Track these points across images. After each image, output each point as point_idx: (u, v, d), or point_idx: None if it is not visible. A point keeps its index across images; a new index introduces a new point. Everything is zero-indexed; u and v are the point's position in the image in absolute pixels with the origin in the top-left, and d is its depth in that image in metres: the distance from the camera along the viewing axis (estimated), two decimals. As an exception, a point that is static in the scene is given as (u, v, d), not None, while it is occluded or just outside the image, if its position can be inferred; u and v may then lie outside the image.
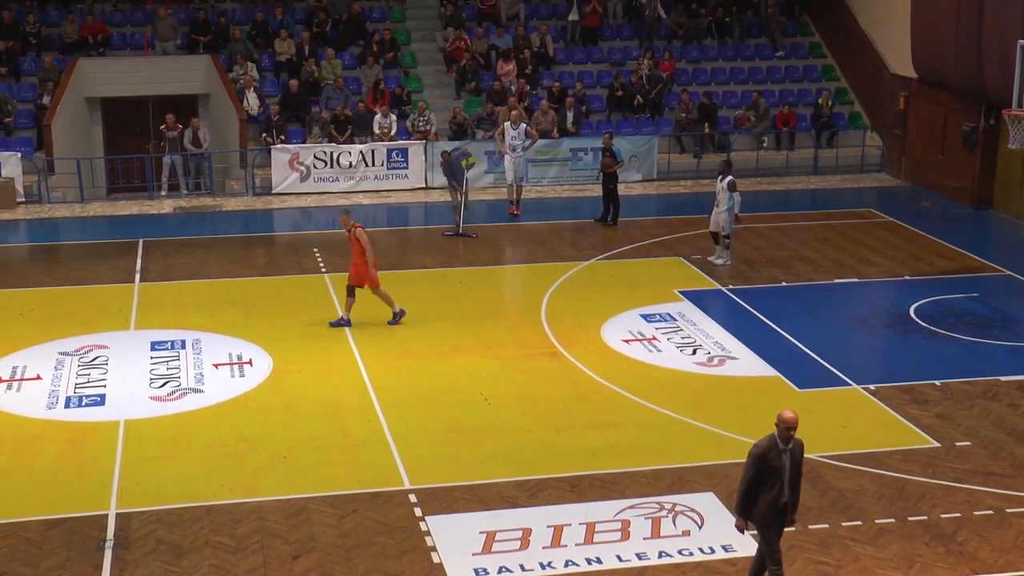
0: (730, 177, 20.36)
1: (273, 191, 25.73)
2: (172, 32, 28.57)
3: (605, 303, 18.49)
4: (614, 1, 31.15)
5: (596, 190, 24.06)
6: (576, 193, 26.08)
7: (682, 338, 17.05)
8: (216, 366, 15.82)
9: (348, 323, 17.35)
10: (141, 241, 22.06)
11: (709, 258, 20.59)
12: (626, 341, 16.91)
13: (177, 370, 15.66)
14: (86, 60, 27.54)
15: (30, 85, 27.33)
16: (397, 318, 17.49)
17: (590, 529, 11.60)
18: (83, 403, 14.60)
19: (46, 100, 26.17)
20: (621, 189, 23.82)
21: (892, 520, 11.96)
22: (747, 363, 16.18)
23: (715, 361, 16.25)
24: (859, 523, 11.89)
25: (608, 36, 30.89)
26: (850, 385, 15.45)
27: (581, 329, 17.35)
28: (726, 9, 31.05)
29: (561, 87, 28.06)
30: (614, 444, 13.63)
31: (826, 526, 11.81)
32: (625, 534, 11.55)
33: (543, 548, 11.28)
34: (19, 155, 25.05)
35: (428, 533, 11.57)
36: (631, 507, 12.05)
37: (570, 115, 27.22)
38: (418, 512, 11.98)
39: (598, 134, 26.62)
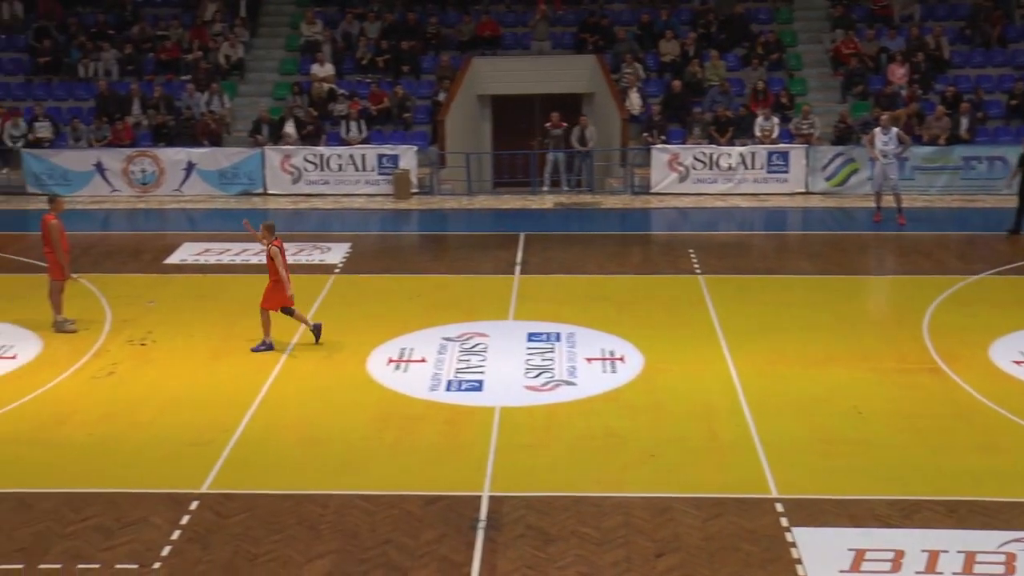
0: None
1: (651, 190, 25.95)
2: (546, 32, 29.34)
3: (995, 321, 17.43)
4: None
5: (989, 201, 22.79)
6: (966, 203, 24.78)
7: (1081, 364, 15.85)
8: (589, 360, 16.10)
9: (271, 347, 16.48)
10: (522, 234, 22.79)
11: None
12: (1018, 363, 15.87)
13: (551, 362, 16.06)
14: (479, 59, 28.76)
15: (428, 83, 28.83)
16: (261, 347, 16.47)
17: (969, 559, 10.96)
18: (462, 387, 15.22)
19: (441, 97, 27.54)
20: (1013, 201, 22.43)
21: None
22: None
23: (1117, 390, 15.00)
24: None
25: (1013, 38, 29.14)
26: None
27: (966, 346, 16.45)
28: None
29: (956, 92, 26.74)
30: (999, 470, 12.82)
31: None
32: (1010, 568, 10.81)
33: (916, 573, 10.76)
34: (415, 148, 26.50)
35: (794, 544, 11.29)
36: (1017, 540, 11.28)
37: (964, 121, 25.90)
38: (784, 522, 11.73)
39: (995, 142, 25.22)
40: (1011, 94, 26.98)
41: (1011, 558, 10.97)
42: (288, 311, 16.70)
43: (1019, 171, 22.05)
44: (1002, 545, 11.20)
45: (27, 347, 16.68)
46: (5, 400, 14.85)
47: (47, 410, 14.58)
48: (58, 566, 10.90)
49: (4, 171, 27.32)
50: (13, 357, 16.31)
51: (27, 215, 24.73)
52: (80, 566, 10.90)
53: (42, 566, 10.91)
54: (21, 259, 21.17)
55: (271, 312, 16.59)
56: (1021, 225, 22.05)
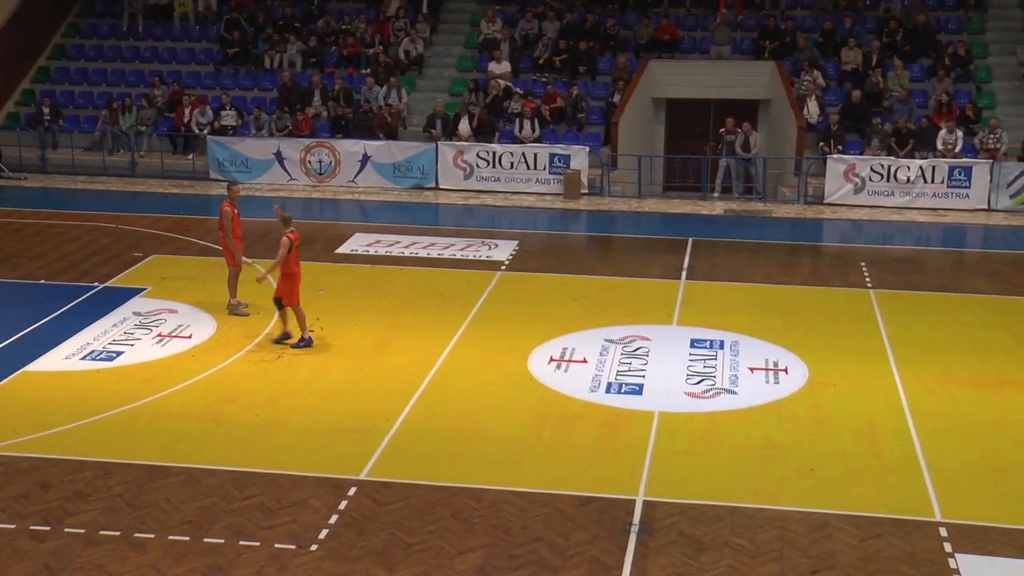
0: None
1: (824, 201, 25.44)
2: (727, 37, 29.01)
3: None
4: None
5: None
6: None
7: None
8: (752, 370, 15.88)
9: (308, 342, 16.45)
10: (690, 240, 22.60)
11: None
12: None
13: (713, 369, 15.89)
14: (656, 62, 28.61)
15: (604, 84, 28.82)
16: (301, 344, 16.43)
17: None
18: (622, 390, 15.17)
19: (616, 98, 27.49)
20: None
21: None
22: None
23: None
24: None
25: None
26: None
27: None
28: None
29: None
30: None
31: None
32: None
33: (1083, 609, 10.34)
34: (587, 149, 26.52)
35: (957, 571, 10.93)
36: None
37: None
38: (948, 547, 11.36)
39: None
40: None
41: None
42: (279, 304, 16.66)
43: None
44: None
45: (202, 328, 17.28)
46: (179, 377, 15.42)
47: (217, 390, 15.08)
48: (221, 541, 11.26)
49: (190, 157, 28.35)
50: (189, 337, 16.92)
51: (209, 200, 25.64)
52: (241, 543, 11.24)
53: (206, 540, 11.29)
54: (202, 243, 21.94)
55: (297, 306, 16.55)
56: None
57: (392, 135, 27.69)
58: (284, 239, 16.47)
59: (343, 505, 12.00)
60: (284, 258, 16.39)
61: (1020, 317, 18.21)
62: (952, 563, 11.07)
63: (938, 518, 11.96)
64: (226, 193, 18.32)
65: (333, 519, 11.72)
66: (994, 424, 14.25)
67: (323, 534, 11.44)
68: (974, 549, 11.32)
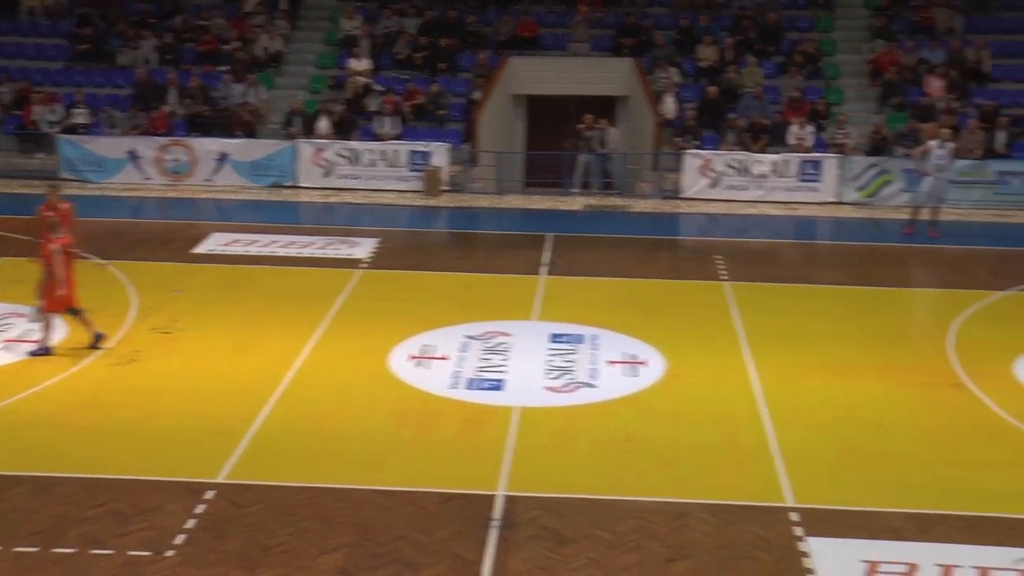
0: None
1: (682, 195, 25.89)
2: (586, 34, 29.31)
3: (1021, 338, 17.29)
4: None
5: (1022, 216, 22.68)
6: (1000, 218, 24.58)
7: (1108, 383, 15.70)
8: (611, 363, 16.08)
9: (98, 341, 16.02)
10: (551, 235, 22.78)
11: None
12: (1043, 381, 15.77)
13: (573, 363, 16.04)
14: (516, 58, 28.75)
15: (464, 80, 28.88)
16: (42, 349, 15.87)
17: (983, 575, 10.89)
18: (483, 386, 15.22)
19: (477, 95, 27.56)
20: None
21: None
22: None
23: None
24: None
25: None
26: None
27: (992, 363, 16.31)
28: None
29: (994, 106, 26.51)
30: (1019, 488, 12.70)
31: None
32: (1023, 585, 10.77)
33: (929, 587, 10.73)
34: (447, 146, 26.54)
35: (807, 554, 11.23)
36: (1033, 558, 11.22)
37: (1002, 136, 25.68)
38: (799, 532, 11.66)
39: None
40: (1049, 109, 26.80)
41: (1025, 576, 10.91)
42: (73, 312, 16.11)
43: None
44: (1017, 562, 11.11)
45: (52, 332, 16.78)
46: (28, 383, 14.99)
47: (68, 395, 14.70)
48: (73, 551, 10.98)
49: (39, 156, 27.54)
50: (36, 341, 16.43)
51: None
52: (94, 551, 10.98)
53: (56, 550, 11.00)
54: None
55: (59, 312, 16.01)
56: None
57: (251, 133, 27.34)
58: (54, 245, 15.73)
59: (201, 509, 11.79)
60: (60, 265, 15.74)
61: (869, 307, 18.79)
62: (802, 546, 11.37)
63: (790, 503, 12.26)
64: (48, 194, 17.57)
65: (190, 524, 11.52)
66: (843, 411, 14.67)
67: (180, 539, 11.23)
68: (823, 532, 11.63)
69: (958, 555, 11.20)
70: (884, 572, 10.91)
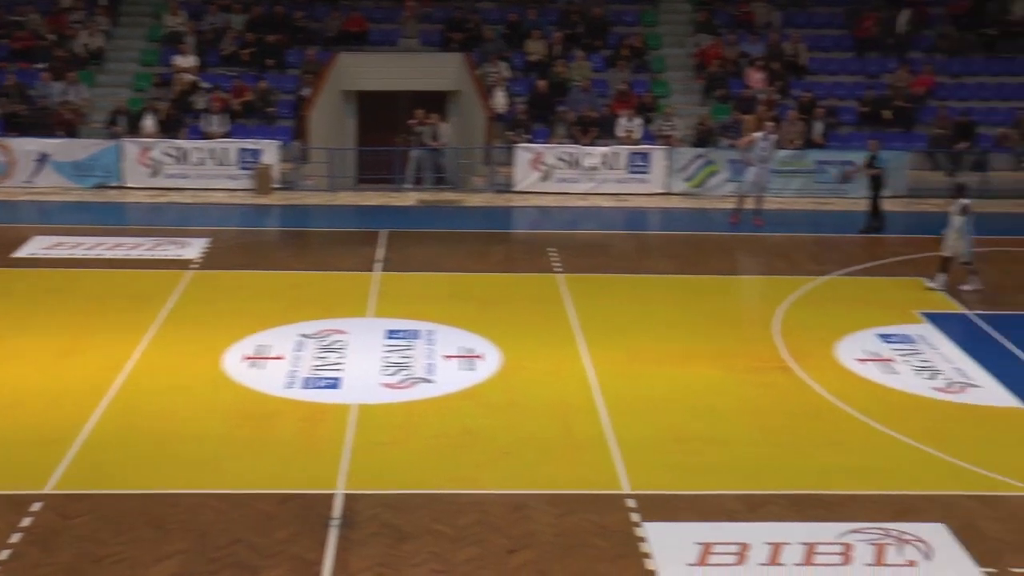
0: (964, 202, 19.37)
1: (514, 189, 26.08)
2: (415, 29, 29.29)
3: (842, 320, 17.96)
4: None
5: (841, 204, 23.56)
6: (819, 206, 25.45)
7: (921, 362, 16.41)
8: (447, 358, 16.13)
9: None
10: (384, 232, 22.70)
11: (961, 286, 19.54)
12: (861, 361, 16.39)
13: (410, 359, 16.04)
14: (346, 54, 28.54)
15: (293, 77, 28.54)
16: None
17: (810, 550, 11.28)
18: (319, 385, 15.11)
19: (306, 92, 27.28)
20: (863, 205, 23.32)
21: None
22: (991, 392, 15.42)
23: (955, 388, 15.57)
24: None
25: (868, 48, 29.99)
26: (1104, 423, 14.56)
27: (814, 345, 16.92)
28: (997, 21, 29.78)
29: (811, 98, 27.42)
30: (842, 465, 13.21)
31: (1066, 571, 11.15)
32: (847, 558, 11.18)
33: (759, 565, 11.04)
34: (278, 143, 26.21)
35: (644, 539, 11.48)
36: (855, 531, 11.65)
37: (819, 127, 26.58)
38: (635, 518, 11.91)
39: (847, 147, 25.96)
40: (863, 101, 27.78)
41: (848, 548, 11.34)
42: None
43: (866, 171, 23.04)
44: (841, 536, 11.56)
45: None
46: None
47: None
48: None
49: None
50: None
51: None
52: (-87, 570, 10.56)
53: None
54: None
55: None
56: (872, 223, 22.91)
57: (72, 133, 26.53)
58: None
59: (26, 523, 11.40)
60: None
61: (698, 295, 19.25)
62: (639, 532, 11.61)
63: (626, 490, 12.51)
64: None
65: (15, 538, 11.13)
66: (676, 398, 15.02)
67: (4, 555, 10.85)
68: (658, 517, 11.90)
69: (786, 533, 11.59)
70: (717, 553, 11.23)
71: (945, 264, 19.50)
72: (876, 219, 23.24)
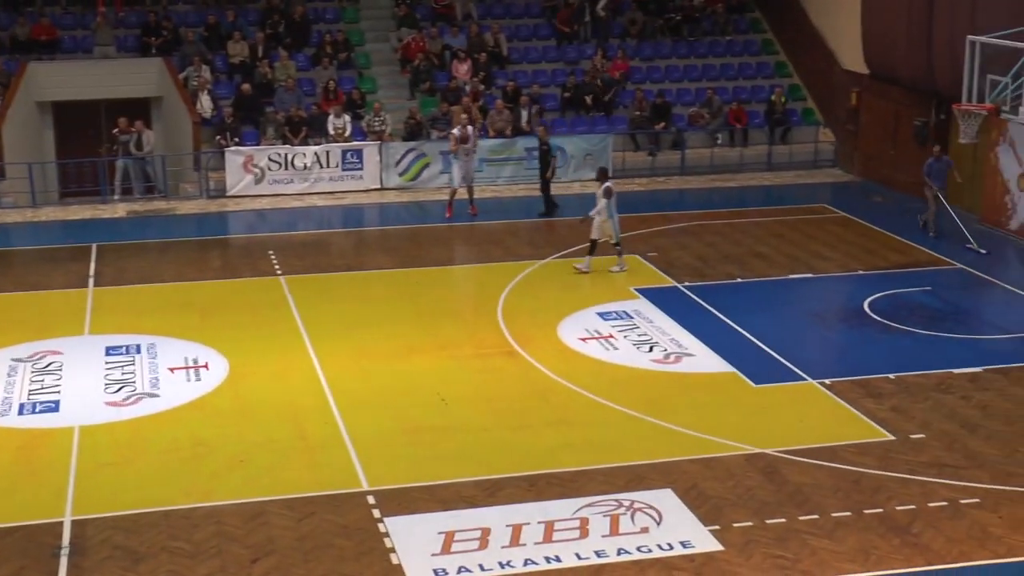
0: (607, 184, 20.21)
1: (227, 194, 25.58)
2: (110, 35, 28.28)
3: (562, 301, 18.54)
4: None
5: (551, 188, 24.27)
6: (531, 192, 26.06)
7: (639, 336, 17.12)
8: (172, 370, 15.73)
9: None
10: (95, 246, 21.86)
11: (611, 268, 20.17)
12: (583, 339, 16.96)
13: (132, 375, 15.55)
14: (36, 63, 27.24)
15: (-20, 89, 27.02)
16: None
17: (549, 528, 11.63)
18: (37, 410, 14.47)
19: (-4, 104, 25.90)
20: (575, 188, 24.03)
21: (848, 513, 12.06)
22: (703, 360, 16.27)
23: (671, 358, 16.33)
24: (816, 517, 11.98)
25: (566, 35, 30.92)
26: (806, 380, 15.57)
27: (538, 328, 17.39)
28: (681, 7, 31.26)
29: (516, 86, 28.06)
30: (572, 442, 13.67)
31: (783, 520, 11.89)
32: (584, 532, 11.58)
33: (502, 547, 11.30)
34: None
35: (387, 534, 11.56)
36: (589, 505, 12.09)
37: (525, 114, 27.25)
38: (376, 513, 11.97)
39: (552, 133, 26.67)
40: (564, 87, 28.64)
41: (584, 522, 11.76)
42: None
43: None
44: (576, 511, 11.97)
45: None
46: None
47: None
48: None
49: None
50: None
51: None
52: None
53: None
54: None
55: None
56: (546, 207, 24.05)
57: None
58: None
59: None
60: None
61: (420, 288, 19.44)
62: (381, 527, 11.68)
63: (365, 487, 12.56)
64: None
65: None
66: (404, 391, 15.17)
67: None
68: (400, 510, 12.01)
69: (525, 513, 11.91)
70: (460, 540, 11.43)
71: (593, 246, 20.16)
72: (547, 203, 24.04)
